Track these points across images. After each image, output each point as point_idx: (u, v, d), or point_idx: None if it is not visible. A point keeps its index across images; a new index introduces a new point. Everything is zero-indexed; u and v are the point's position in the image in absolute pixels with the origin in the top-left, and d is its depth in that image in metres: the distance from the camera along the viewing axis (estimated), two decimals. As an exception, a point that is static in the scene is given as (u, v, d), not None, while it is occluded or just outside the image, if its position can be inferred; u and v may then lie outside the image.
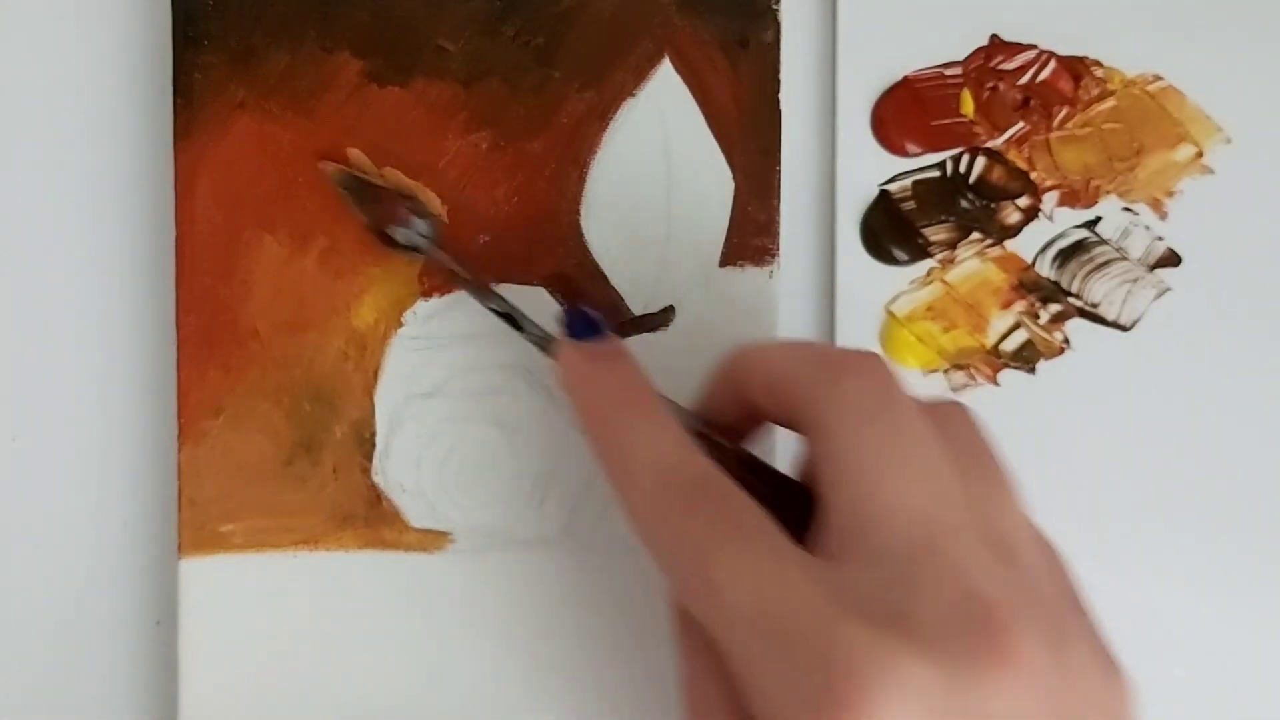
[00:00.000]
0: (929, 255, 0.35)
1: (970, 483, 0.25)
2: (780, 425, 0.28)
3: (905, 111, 0.35)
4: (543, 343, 0.30)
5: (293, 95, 0.33)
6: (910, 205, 0.35)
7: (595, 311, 0.30)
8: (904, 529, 0.23)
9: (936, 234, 0.35)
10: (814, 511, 0.25)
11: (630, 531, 0.26)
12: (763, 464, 0.29)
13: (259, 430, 0.33)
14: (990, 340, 0.35)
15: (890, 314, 0.35)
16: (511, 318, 0.31)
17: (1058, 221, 0.35)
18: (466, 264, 0.32)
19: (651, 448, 0.26)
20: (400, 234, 0.31)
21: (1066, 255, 0.35)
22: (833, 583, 0.23)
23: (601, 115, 0.33)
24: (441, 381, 0.33)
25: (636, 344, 0.34)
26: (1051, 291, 0.35)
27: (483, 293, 0.32)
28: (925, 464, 0.24)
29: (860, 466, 0.24)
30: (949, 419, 0.26)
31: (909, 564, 0.23)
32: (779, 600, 0.23)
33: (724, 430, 0.28)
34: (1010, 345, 0.35)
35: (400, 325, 0.33)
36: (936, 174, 0.35)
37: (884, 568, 0.23)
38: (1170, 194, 0.35)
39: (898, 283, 0.35)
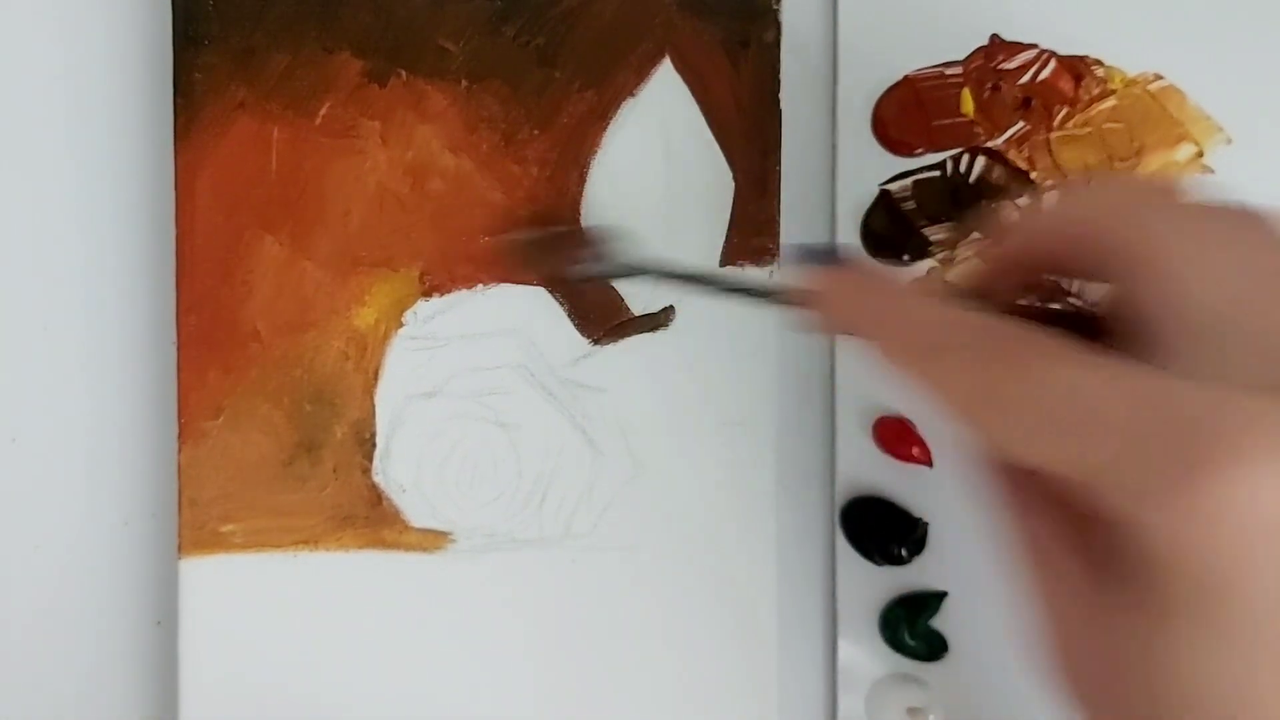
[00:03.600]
0: (929, 255, 0.35)
1: None
2: (1079, 276, 0.27)
3: (905, 111, 0.35)
4: (784, 298, 0.30)
5: (293, 95, 0.33)
6: (910, 205, 0.35)
7: (817, 246, 0.29)
8: (1255, 316, 0.22)
9: (937, 234, 0.35)
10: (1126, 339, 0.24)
11: (950, 408, 0.25)
12: (1045, 304, 0.28)
13: (259, 430, 0.33)
14: (990, 340, 0.35)
15: (890, 314, 0.35)
16: (750, 290, 0.30)
17: (1058, 221, 0.35)
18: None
19: (933, 324, 0.25)
20: (583, 270, 0.31)
21: (1067, 255, 0.35)
22: (1171, 368, 0.22)
23: (602, 115, 0.33)
24: (441, 381, 0.33)
25: (636, 344, 0.34)
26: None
27: (708, 282, 0.31)
28: (1260, 243, 0.23)
29: (1199, 269, 0.23)
30: (1245, 217, 0.25)
31: (1248, 345, 0.22)
32: (1122, 391, 0.22)
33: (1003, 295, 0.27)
34: (1010, 345, 0.35)
35: (400, 325, 0.33)
36: (937, 174, 0.35)
37: (1223, 352, 0.22)
38: (1170, 194, 0.35)
39: (898, 283, 0.35)
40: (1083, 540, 0.24)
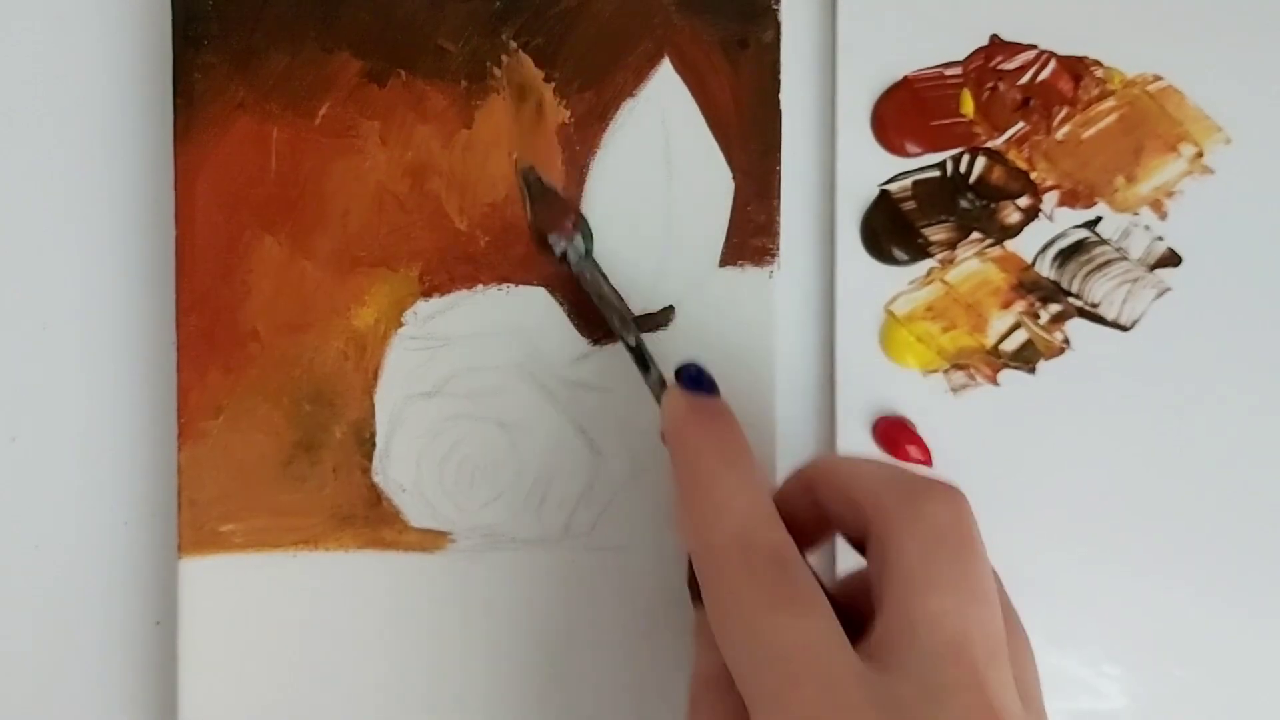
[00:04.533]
0: (929, 255, 0.35)
1: (1010, 635, 0.26)
2: (848, 538, 0.28)
3: (905, 111, 0.35)
4: (660, 389, 0.31)
5: (293, 95, 0.33)
6: (910, 205, 0.35)
7: (709, 373, 0.30)
8: (952, 652, 0.24)
9: (936, 234, 0.35)
10: (862, 628, 0.26)
11: (699, 579, 0.27)
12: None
13: (259, 430, 0.33)
14: (990, 340, 0.35)
15: (890, 314, 0.35)
16: (641, 357, 0.32)
17: (1058, 221, 0.35)
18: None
19: (736, 506, 0.27)
20: (559, 244, 0.32)
21: (1066, 255, 0.35)
22: (869, 682, 0.24)
23: (601, 115, 0.33)
24: (441, 381, 0.33)
25: (636, 344, 0.34)
26: (1051, 291, 0.35)
27: (625, 324, 0.33)
28: (984, 601, 0.25)
29: (924, 586, 0.25)
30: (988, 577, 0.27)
31: (947, 685, 0.24)
32: (816, 681, 0.24)
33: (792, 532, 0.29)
34: (1010, 345, 0.35)
35: (400, 325, 0.33)
36: (936, 174, 0.35)
37: (922, 683, 0.24)
38: (1170, 194, 0.35)
39: (898, 283, 0.35)
40: None
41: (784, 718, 0.24)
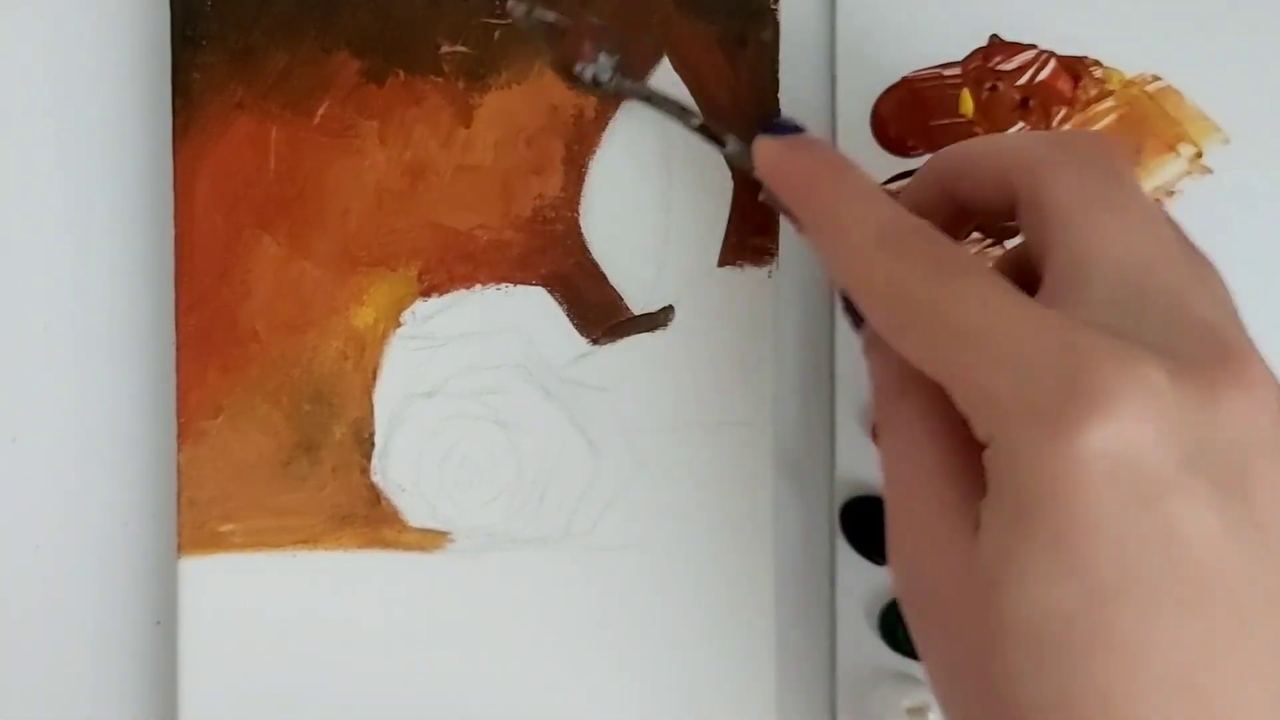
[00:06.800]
0: (928, 255, 0.35)
1: (1193, 264, 0.25)
2: (993, 214, 0.27)
3: (905, 111, 0.35)
4: (745, 155, 0.31)
5: (292, 95, 0.33)
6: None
7: (791, 118, 0.30)
8: (1131, 272, 0.23)
9: (936, 234, 0.35)
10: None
11: (850, 292, 0.26)
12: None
13: (258, 430, 0.33)
14: (990, 340, 0.35)
15: (890, 314, 0.35)
16: (712, 133, 0.31)
17: (1057, 221, 0.35)
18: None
19: (863, 208, 0.26)
20: (585, 72, 0.31)
21: (1066, 255, 0.35)
22: (1066, 310, 0.23)
23: (601, 115, 0.33)
24: (441, 381, 0.33)
25: (636, 344, 0.34)
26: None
27: (684, 114, 0.32)
28: (1149, 215, 0.24)
29: (1083, 215, 0.24)
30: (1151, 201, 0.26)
31: (1140, 299, 0.23)
32: (1016, 319, 0.23)
33: None
34: (1010, 345, 0.35)
35: (399, 325, 0.33)
36: (936, 174, 0.35)
37: (1114, 302, 0.23)
38: (1170, 194, 0.35)
39: (897, 282, 0.35)
40: (956, 461, 0.25)
41: (984, 384, 0.23)
